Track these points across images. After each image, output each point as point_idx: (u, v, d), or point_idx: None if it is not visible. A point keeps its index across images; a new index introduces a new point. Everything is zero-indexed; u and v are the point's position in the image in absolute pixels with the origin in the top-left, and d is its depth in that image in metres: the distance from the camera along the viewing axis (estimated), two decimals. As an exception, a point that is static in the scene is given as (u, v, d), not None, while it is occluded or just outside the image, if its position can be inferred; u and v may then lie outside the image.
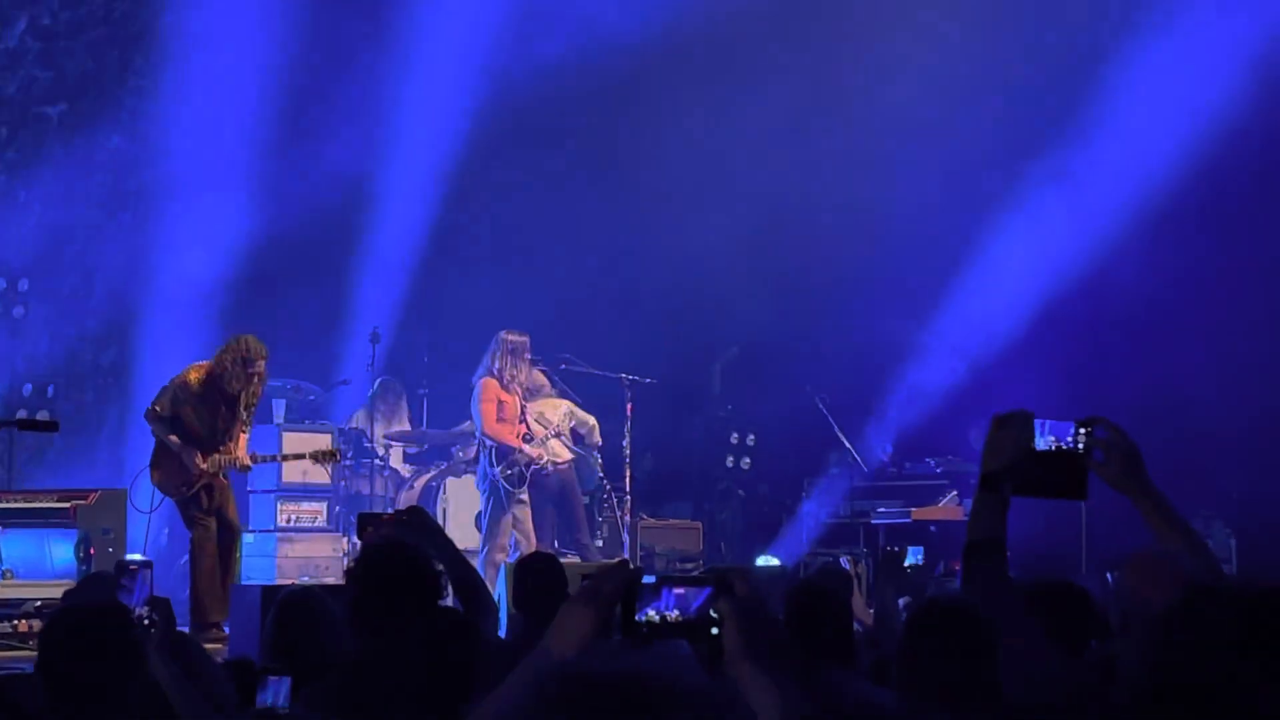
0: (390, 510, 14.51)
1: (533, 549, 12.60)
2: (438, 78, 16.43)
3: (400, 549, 5.07)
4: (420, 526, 5.67)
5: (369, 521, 5.92)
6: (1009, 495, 3.71)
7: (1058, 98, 15.74)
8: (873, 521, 15.19)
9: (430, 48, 16.38)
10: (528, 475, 13.60)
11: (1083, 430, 3.79)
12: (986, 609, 3.67)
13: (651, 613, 2.82)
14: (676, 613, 2.83)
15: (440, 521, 14.27)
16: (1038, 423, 3.75)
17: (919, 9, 15.89)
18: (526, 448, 13.59)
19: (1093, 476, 3.83)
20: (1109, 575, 4.26)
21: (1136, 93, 15.34)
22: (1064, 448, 3.76)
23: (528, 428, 13.65)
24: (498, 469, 13.46)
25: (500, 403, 13.56)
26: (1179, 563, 3.68)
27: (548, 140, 16.89)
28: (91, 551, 11.91)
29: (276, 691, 4.91)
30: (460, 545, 13.78)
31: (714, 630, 2.81)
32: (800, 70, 15.95)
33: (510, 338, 13.64)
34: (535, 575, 7.41)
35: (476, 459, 14.32)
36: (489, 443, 13.57)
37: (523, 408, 13.67)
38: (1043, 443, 3.75)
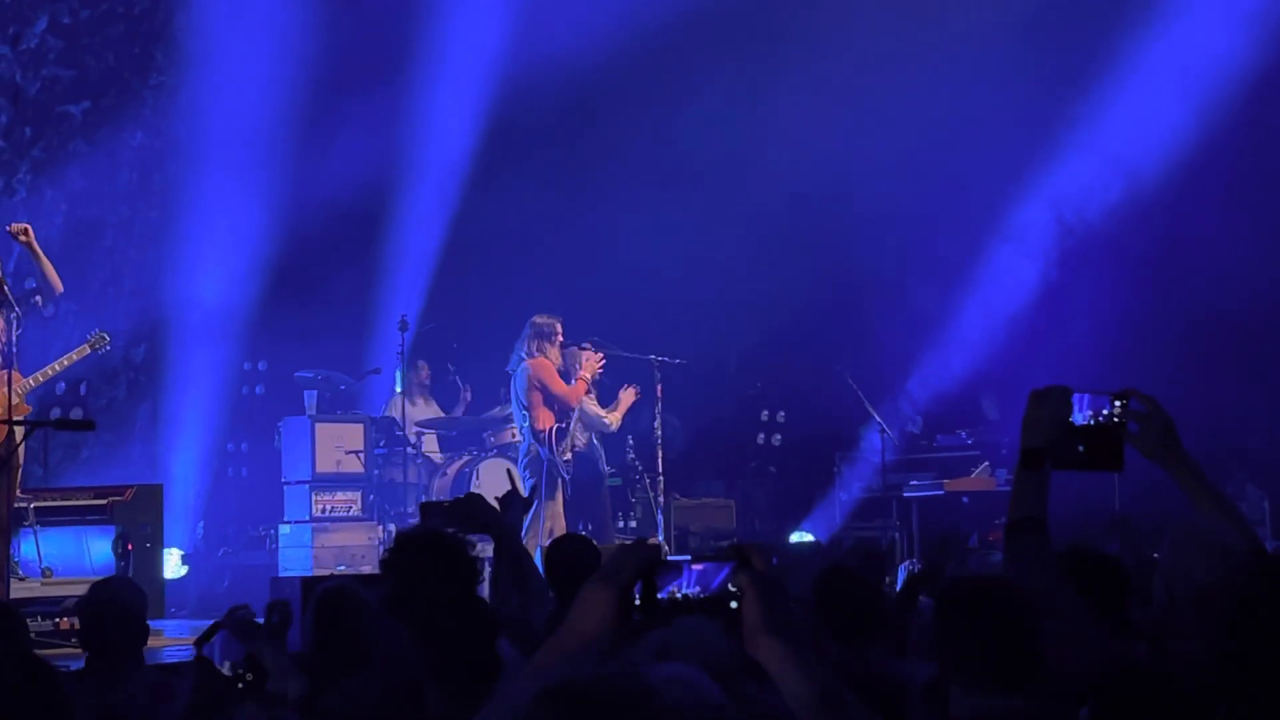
0: (423, 498, 14.65)
1: (562, 532, 12.67)
2: (461, 67, 16.46)
3: (433, 537, 5.09)
4: (475, 513, 5.71)
5: (430, 510, 5.97)
6: (1049, 471, 3.71)
7: (1077, 67, 15.75)
8: (905, 495, 15.18)
9: (453, 37, 16.41)
10: (573, 463, 13.68)
11: (1118, 402, 3.80)
12: (1029, 586, 3.67)
13: (673, 590, 2.83)
14: (698, 589, 2.84)
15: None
16: (1075, 397, 3.76)
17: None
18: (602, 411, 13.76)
19: (1128, 447, 3.84)
20: (1154, 555, 4.25)
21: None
22: (1101, 421, 3.76)
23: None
24: (556, 453, 13.51)
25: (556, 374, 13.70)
26: (1221, 538, 3.69)
27: (572, 127, 16.90)
28: (130, 547, 11.96)
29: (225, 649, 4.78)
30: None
31: (733, 604, 2.82)
32: (825, 50, 15.92)
33: (540, 320, 13.76)
34: (569, 558, 7.40)
35: (519, 443, 14.40)
36: (565, 421, 13.63)
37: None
38: (1080, 417, 3.75)
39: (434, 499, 14.80)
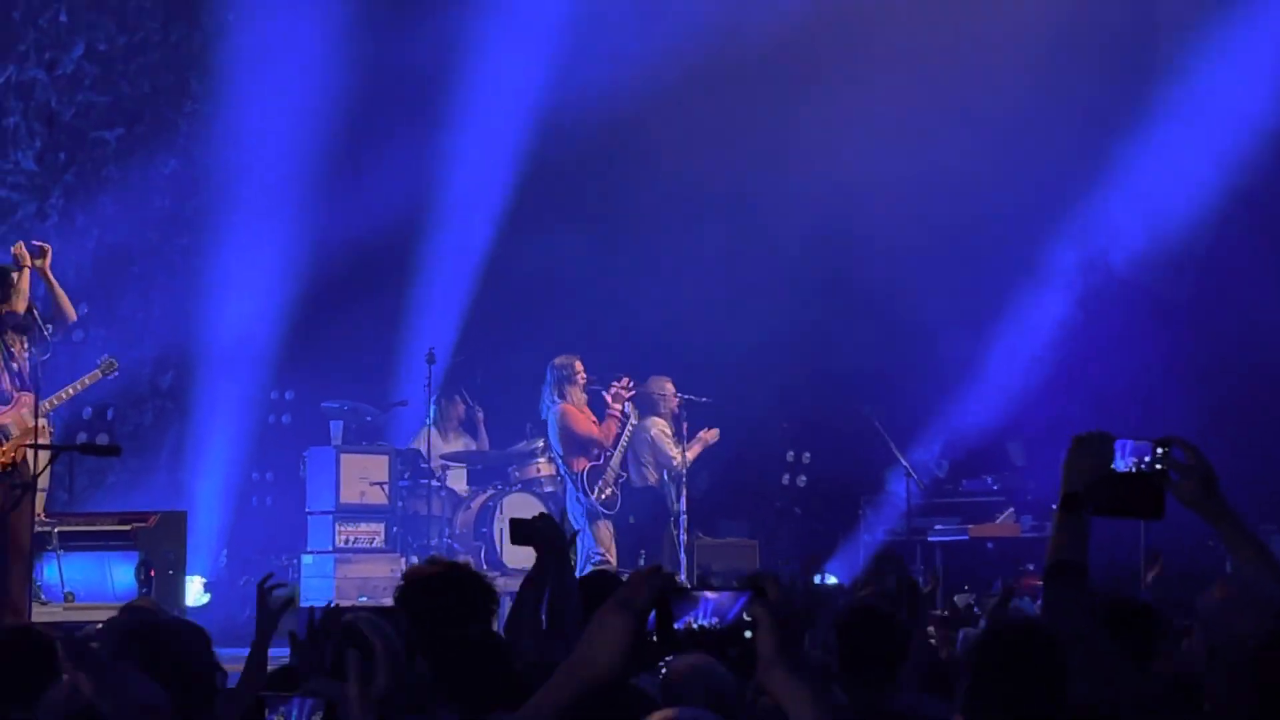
0: (447, 531, 14.69)
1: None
2: (495, 105, 16.51)
3: (445, 572, 5.06)
4: (547, 535, 5.69)
5: (517, 525, 5.93)
6: (1089, 516, 3.68)
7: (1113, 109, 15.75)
8: (930, 539, 15.11)
9: (488, 76, 16.45)
10: (619, 496, 13.88)
11: (1160, 450, 3.77)
12: (1066, 632, 3.63)
13: (689, 620, 2.80)
14: (715, 620, 2.81)
15: (496, 542, 14.40)
16: (1117, 443, 3.73)
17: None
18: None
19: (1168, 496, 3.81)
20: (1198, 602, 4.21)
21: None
22: (1143, 468, 3.73)
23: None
24: (593, 496, 13.74)
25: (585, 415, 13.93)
26: (1266, 591, 3.65)
27: (604, 166, 16.91)
28: (152, 574, 11.96)
29: (300, 712, 4.66)
30: (517, 565, 14.00)
31: (747, 634, 2.80)
32: (859, 91, 15.91)
33: (560, 363, 14.02)
34: (601, 592, 7.35)
35: (553, 480, 14.58)
36: (601, 458, 13.84)
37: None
38: (1122, 463, 3.72)
39: (458, 531, 14.83)
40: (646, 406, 14.52)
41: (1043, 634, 3.79)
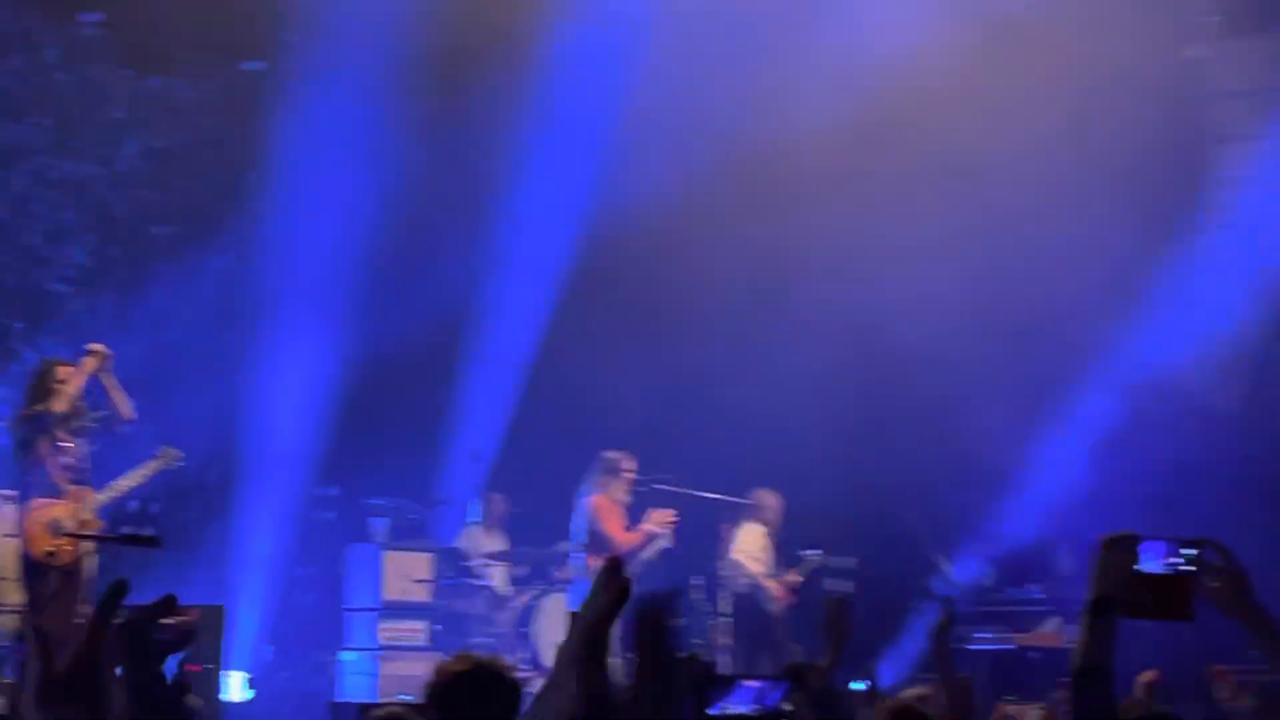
0: (489, 629, 14.61)
1: None
2: (546, 204, 16.61)
3: (470, 668, 5.03)
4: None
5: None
6: (1117, 619, 3.64)
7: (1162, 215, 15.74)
8: (971, 647, 14.98)
9: (538, 174, 16.58)
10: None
11: (1191, 551, 3.74)
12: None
13: (724, 706, 2.78)
14: (756, 707, 2.80)
15: (535, 642, 14.32)
16: (1147, 544, 3.70)
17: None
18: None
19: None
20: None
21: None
22: (1172, 570, 3.70)
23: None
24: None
25: (616, 514, 13.83)
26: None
27: (645, 268, 16.96)
28: (192, 668, 11.91)
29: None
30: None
31: None
32: (902, 190, 15.95)
33: (608, 456, 13.91)
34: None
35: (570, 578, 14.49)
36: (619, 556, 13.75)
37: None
38: (1151, 565, 3.69)
39: (499, 630, 14.76)
40: (749, 515, 14.63)
41: None
